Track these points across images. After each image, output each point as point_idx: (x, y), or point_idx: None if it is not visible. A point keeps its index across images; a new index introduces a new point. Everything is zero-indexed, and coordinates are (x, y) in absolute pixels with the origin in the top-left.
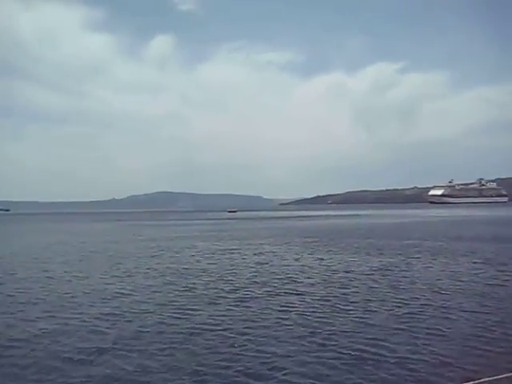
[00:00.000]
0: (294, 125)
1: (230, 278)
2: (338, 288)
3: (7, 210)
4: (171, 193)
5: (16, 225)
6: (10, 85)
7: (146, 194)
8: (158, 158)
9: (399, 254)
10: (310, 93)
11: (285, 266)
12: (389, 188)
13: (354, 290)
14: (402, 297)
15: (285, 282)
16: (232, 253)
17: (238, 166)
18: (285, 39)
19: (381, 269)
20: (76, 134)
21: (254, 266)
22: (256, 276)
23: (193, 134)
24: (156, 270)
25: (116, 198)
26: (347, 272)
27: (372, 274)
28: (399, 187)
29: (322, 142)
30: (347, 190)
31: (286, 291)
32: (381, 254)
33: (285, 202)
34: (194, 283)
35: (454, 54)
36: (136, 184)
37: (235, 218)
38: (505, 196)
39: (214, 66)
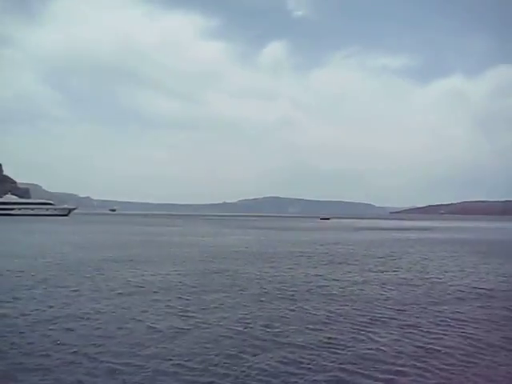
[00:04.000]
0: (408, 131)
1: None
2: None
3: (113, 210)
4: (280, 198)
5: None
6: (134, 92)
7: (255, 199)
8: (268, 164)
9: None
10: (425, 98)
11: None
12: (509, 199)
13: None
14: None
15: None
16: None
17: (350, 172)
18: (400, 43)
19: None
20: (192, 139)
21: None
22: None
23: (304, 140)
24: None
25: (227, 201)
26: None
27: None
28: None
29: (437, 149)
30: (463, 200)
31: None
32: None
33: (395, 210)
34: None
35: None
36: (246, 188)
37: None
38: None
39: (327, 71)
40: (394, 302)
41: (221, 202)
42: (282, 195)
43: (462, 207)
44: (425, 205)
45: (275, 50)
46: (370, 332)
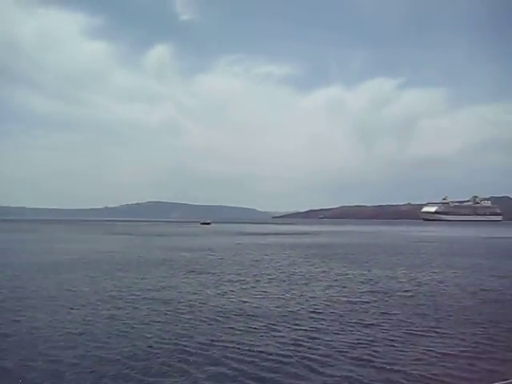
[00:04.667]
0: (291, 138)
1: None
2: None
3: None
4: (164, 203)
5: None
6: (10, 90)
7: (138, 204)
8: (152, 168)
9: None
10: (308, 106)
11: None
12: (384, 204)
13: None
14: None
15: None
16: None
17: (234, 177)
18: (284, 52)
19: None
20: (73, 141)
21: None
22: None
23: (188, 144)
24: None
25: (109, 206)
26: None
27: None
28: (394, 203)
29: (319, 156)
30: (342, 205)
31: None
32: None
33: (278, 215)
34: None
35: (453, 71)
36: (129, 193)
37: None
38: (499, 215)
39: (212, 77)
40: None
41: (102, 206)
42: (165, 200)
43: (341, 211)
44: (306, 209)
45: (160, 52)
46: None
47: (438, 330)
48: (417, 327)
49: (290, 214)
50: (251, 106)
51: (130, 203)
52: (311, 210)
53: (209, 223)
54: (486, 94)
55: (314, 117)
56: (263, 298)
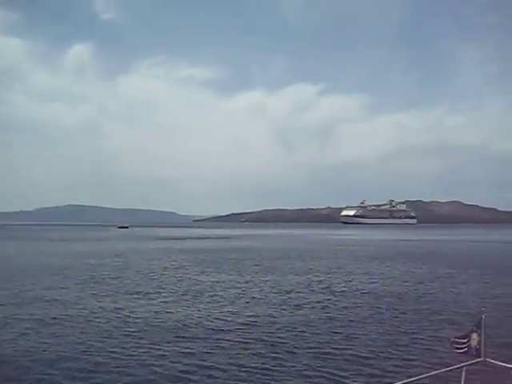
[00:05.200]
0: (214, 141)
1: None
2: None
3: None
4: (83, 206)
5: None
6: None
7: (56, 207)
8: (71, 170)
9: None
10: (230, 110)
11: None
12: (304, 207)
13: None
14: None
15: None
16: None
17: (155, 180)
18: (206, 56)
19: None
20: None
21: None
22: None
23: (109, 146)
24: None
25: (24, 209)
26: None
27: None
28: (315, 207)
29: (241, 159)
30: (264, 209)
31: None
32: None
33: (199, 218)
34: None
35: (371, 80)
36: (46, 196)
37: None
38: (414, 218)
39: (134, 79)
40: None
41: (18, 210)
42: (84, 203)
43: (262, 215)
44: (228, 213)
45: (81, 52)
46: None
47: (344, 333)
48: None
49: (211, 218)
50: (174, 109)
51: (47, 206)
52: (233, 214)
53: (126, 227)
54: (401, 102)
55: (237, 120)
56: (157, 312)
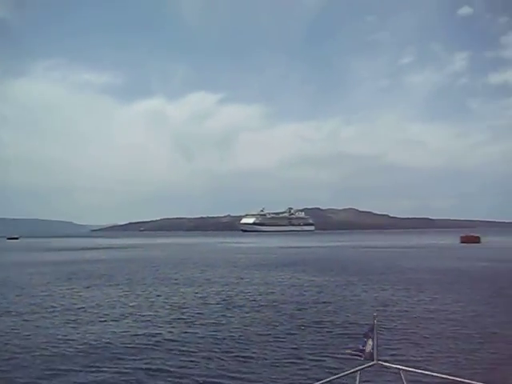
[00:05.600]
0: (112, 149)
1: None
2: None
3: None
4: None
5: None
6: None
7: None
8: None
9: None
10: (130, 117)
11: None
12: (204, 216)
13: None
14: None
15: None
16: None
17: (49, 189)
18: (104, 60)
19: None
20: None
21: None
22: None
23: (1, 154)
24: None
25: None
26: None
27: None
28: (215, 215)
29: (140, 167)
30: (163, 217)
31: None
32: None
33: (97, 228)
34: None
35: (271, 89)
36: None
37: None
38: (312, 225)
39: (28, 82)
40: None
41: None
42: None
43: (162, 224)
44: (126, 222)
45: None
46: None
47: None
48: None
49: (109, 227)
50: (71, 115)
51: None
52: (131, 223)
53: (17, 238)
54: (300, 112)
55: (136, 128)
56: (22, 334)
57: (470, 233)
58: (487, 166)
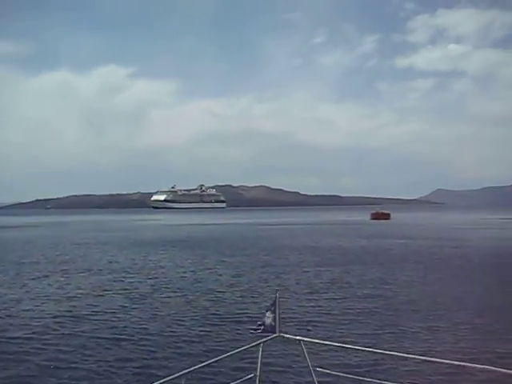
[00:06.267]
0: (15, 122)
1: None
2: None
3: None
4: None
5: None
6: None
7: None
8: None
9: None
10: (36, 89)
11: None
12: (114, 193)
13: None
14: None
15: None
16: None
17: None
18: (9, 29)
19: None
20: None
21: None
22: None
23: None
24: None
25: None
26: None
27: None
28: (124, 192)
29: (46, 142)
30: (71, 194)
31: None
32: None
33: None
34: None
35: (184, 65)
36: None
37: None
38: (223, 202)
39: None
40: None
41: None
42: None
43: (70, 201)
44: (32, 199)
45: None
46: None
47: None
48: None
49: (12, 205)
50: None
51: None
52: (37, 200)
53: None
54: (213, 89)
55: (42, 100)
56: None
57: (381, 209)
58: (394, 146)
